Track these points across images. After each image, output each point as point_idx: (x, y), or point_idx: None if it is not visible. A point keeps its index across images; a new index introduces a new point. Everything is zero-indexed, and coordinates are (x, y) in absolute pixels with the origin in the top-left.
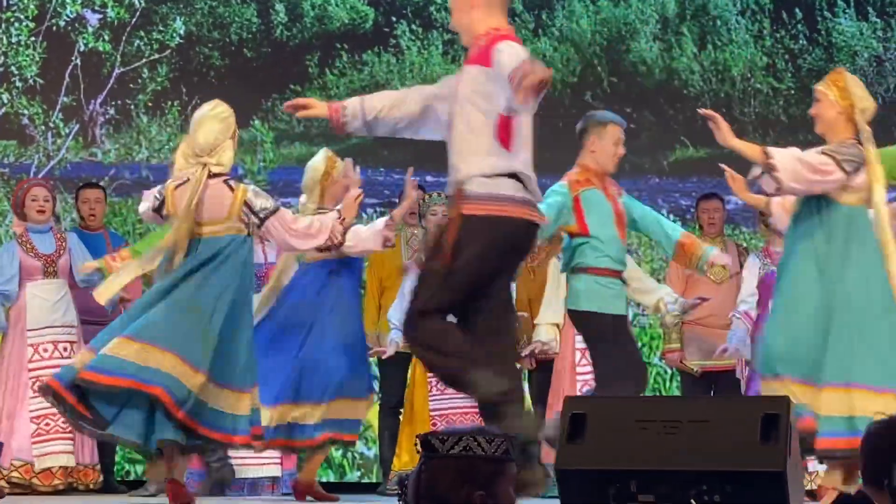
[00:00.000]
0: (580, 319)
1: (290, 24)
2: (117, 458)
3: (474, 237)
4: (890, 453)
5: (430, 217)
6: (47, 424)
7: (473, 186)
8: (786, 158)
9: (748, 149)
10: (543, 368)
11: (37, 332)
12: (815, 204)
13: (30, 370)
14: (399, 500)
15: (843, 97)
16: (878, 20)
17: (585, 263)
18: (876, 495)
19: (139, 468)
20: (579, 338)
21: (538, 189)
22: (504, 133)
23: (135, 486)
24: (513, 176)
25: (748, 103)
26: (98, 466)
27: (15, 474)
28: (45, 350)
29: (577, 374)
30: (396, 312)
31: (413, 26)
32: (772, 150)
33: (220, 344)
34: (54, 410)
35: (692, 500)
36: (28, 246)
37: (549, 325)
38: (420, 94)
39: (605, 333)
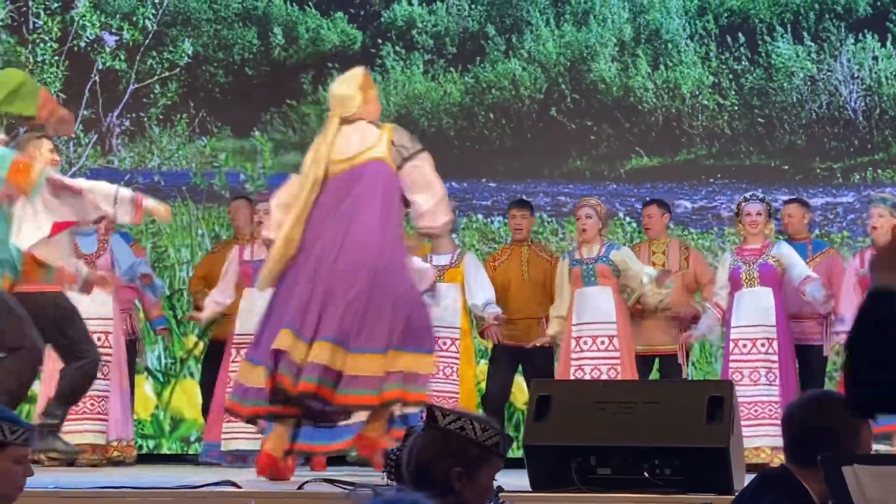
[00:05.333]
0: None
1: (287, 45)
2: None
3: None
4: (817, 432)
5: None
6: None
7: None
8: None
9: None
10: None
11: None
12: None
13: None
14: (384, 471)
15: None
16: (813, 44)
17: None
18: (800, 472)
19: (151, 443)
20: (575, 326)
21: None
22: None
23: (146, 459)
24: None
25: (696, 118)
26: (132, 442)
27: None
28: None
29: (572, 360)
30: None
31: (397, 48)
32: None
33: None
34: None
35: (645, 473)
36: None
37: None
38: None
39: None
